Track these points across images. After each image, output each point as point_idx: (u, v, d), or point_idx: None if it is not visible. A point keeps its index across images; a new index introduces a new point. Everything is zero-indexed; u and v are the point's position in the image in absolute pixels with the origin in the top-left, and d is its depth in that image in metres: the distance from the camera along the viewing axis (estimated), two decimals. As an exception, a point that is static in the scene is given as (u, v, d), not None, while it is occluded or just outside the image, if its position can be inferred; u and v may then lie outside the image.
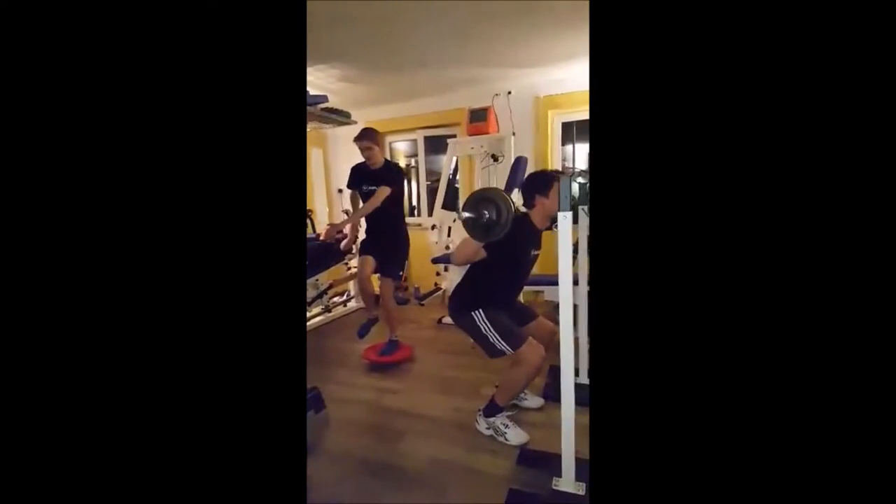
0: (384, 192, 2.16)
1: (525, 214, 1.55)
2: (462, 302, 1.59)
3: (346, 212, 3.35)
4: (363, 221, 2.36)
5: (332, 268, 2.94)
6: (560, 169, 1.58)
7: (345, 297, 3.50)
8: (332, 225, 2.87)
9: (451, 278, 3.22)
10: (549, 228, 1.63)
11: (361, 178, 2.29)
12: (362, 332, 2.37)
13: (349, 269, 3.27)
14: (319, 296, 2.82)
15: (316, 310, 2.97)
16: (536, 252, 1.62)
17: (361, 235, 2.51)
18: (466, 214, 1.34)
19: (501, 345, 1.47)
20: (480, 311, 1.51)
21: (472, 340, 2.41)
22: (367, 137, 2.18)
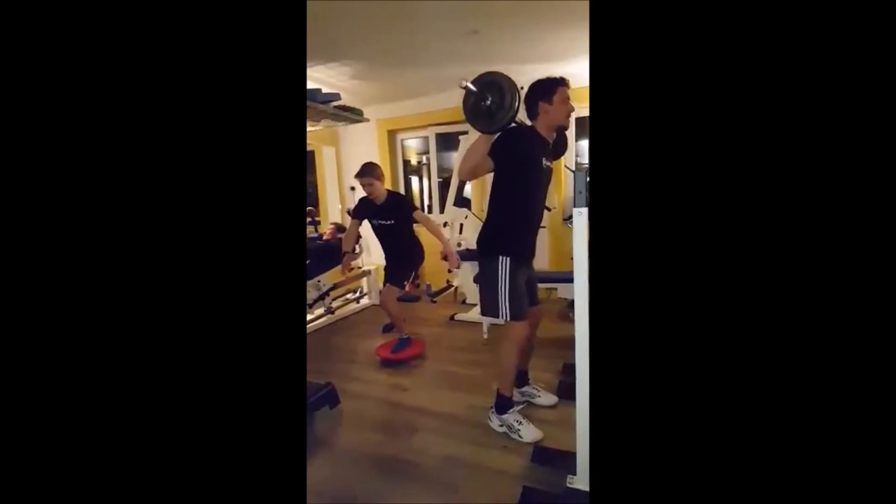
0: (423, 215, 2.33)
1: (530, 126, 1.47)
2: (490, 240, 1.51)
3: (350, 212, 3.40)
4: (363, 226, 2.43)
5: (335, 268, 2.96)
6: (564, 78, 1.46)
7: (357, 294, 3.53)
8: (335, 224, 2.87)
9: (463, 275, 3.22)
10: (556, 147, 1.56)
11: (369, 212, 2.33)
12: (387, 329, 2.59)
13: (350, 269, 3.29)
14: (321, 297, 2.81)
15: (318, 311, 2.95)
16: (548, 164, 1.51)
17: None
18: (468, 85, 1.24)
19: (503, 306, 1.44)
20: (509, 260, 1.44)
21: (485, 336, 2.44)
22: (368, 173, 2.19)
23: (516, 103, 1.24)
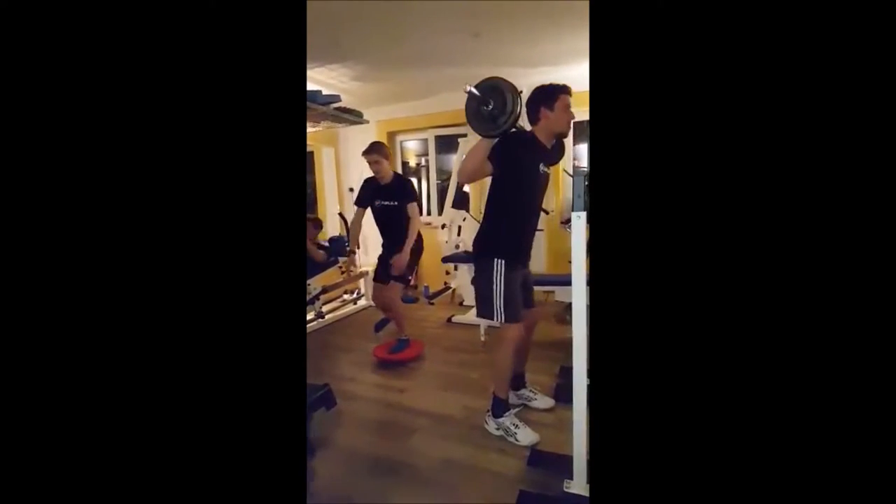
0: (415, 209, 2.22)
1: (530, 131, 1.50)
2: (486, 242, 1.54)
3: (341, 215, 3.39)
4: (368, 226, 2.39)
5: (328, 272, 2.94)
6: (566, 86, 1.48)
7: (355, 295, 3.53)
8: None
9: (461, 277, 3.23)
10: (554, 151, 1.58)
11: (373, 194, 2.29)
12: (378, 327, 2.47)
13: (343, 271, 3.28)
14: (310, 302, 2.79)
15: (308, 316, 2.92)
16: (546, 170, 1.54)
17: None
18: (471, 88, 1.27)
19: (498, 308, 1.45)
20: (503, 263, 1.46)
21: (482, 339, 2.45)
22: (376, 151, 2.18)
23: (517, 108, 1.26)
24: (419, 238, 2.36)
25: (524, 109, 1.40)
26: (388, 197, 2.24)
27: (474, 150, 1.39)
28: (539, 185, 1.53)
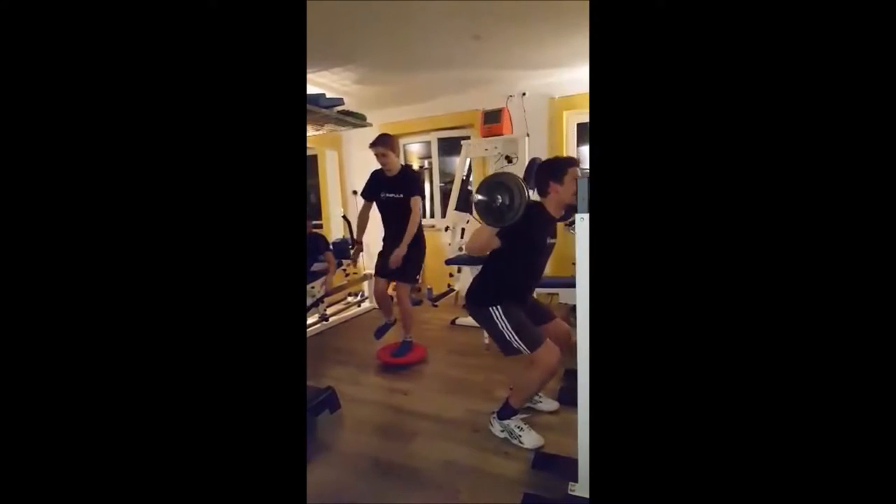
0: (418, 203, 2.19)
1: (539, 203, 1.53)
2: (479, 295, 1.56)
3: (345, 217, 3.41)
4: (370, 226, 2.38)
5: (329, 275, 2.94)
6: (575, 157, 1.55)
7: (359, 298, 3.53)
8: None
9: (465, 279, 3.22)
10: (565, 219, 1.61)
11: (379, 186, 2.28)
12: (379, 334, 2.42)
13: (347, 274, 3.28)
14: (315, 304, 2.77)
15: (311, 319, 2.92)
16: (552, 241, 1.58)
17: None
18: (479, 197, 1.33)
19: (518, 343, 1.46)
20: (499, 307, 1.48)
21: (486, 342, 2.44)
22: (383, 143, 2.16)
23: (526, 197, 1.31)
24: (421, 238, 2.35)
25: (533, 181, 1.48)
26: (395, 189, 2.22)
27: (483, 230, 1.44)
28: (544, 256, 1.59)
